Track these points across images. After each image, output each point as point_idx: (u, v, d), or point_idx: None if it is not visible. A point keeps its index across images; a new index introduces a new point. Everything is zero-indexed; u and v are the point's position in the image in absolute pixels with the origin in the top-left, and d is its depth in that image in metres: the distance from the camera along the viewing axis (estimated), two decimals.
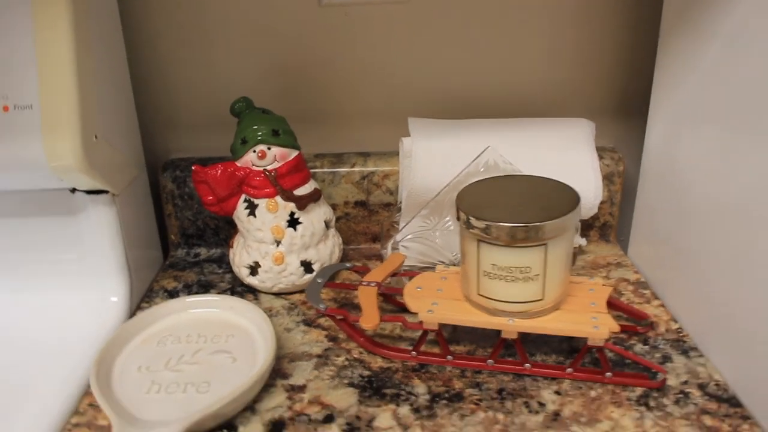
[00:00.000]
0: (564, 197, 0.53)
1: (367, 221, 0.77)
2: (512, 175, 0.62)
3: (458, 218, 0.53)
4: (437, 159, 0.67)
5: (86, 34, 0.58)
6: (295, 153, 0.66)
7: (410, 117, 0.71)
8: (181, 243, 0.79)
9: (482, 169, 0.64)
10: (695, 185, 0.59)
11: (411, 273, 0.62)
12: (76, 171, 0.57)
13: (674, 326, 0.62)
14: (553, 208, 0.51)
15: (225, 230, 0.78)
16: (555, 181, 0.56)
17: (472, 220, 0.51)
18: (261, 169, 0.65)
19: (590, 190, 0.69)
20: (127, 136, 0.70)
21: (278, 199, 0.65)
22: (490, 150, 0.64)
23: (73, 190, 0.64)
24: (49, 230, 0.65)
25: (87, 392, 0.55)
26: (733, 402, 0.52)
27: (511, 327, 0.53)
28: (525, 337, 0.59)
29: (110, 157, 0.63)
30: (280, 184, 0.65)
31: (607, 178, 0.75)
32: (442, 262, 0.65)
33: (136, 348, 0.58)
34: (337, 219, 0.76)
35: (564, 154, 0.69)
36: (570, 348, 0.58)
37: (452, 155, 0.66)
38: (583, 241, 0.72)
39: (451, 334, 0.61)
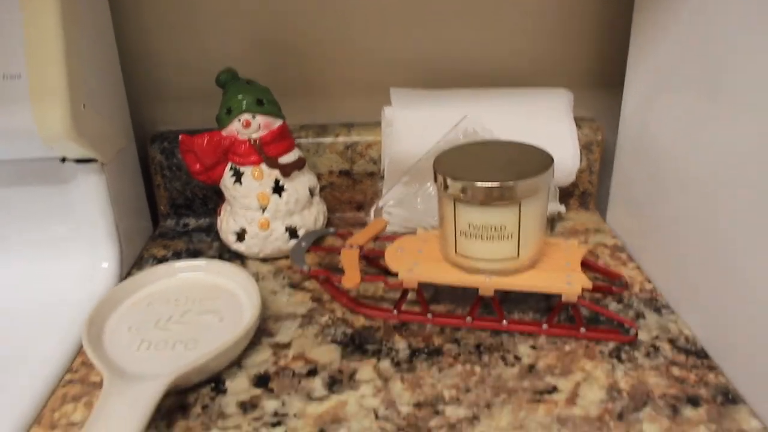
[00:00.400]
0: (538, 160, 0.55)
1: (351, 190, 0.79)
2: (488, 140, 0.64)
3: (435, 180, 0.55)
4: (418, 127, 0.69)
5: (73, 4, 0.59)
6: (279, 122, 0.68)
7: (392, 87, 0.72)
8: (171, 213, 0.81)
9: (461, 137, 0.66)
10: (669, 153, 0.60)
11: (393, 237, 0.64)
12: (65, 139, 0.59)
13: (648, 286, 0.64)
14: (526, 170, 0.53)
15: (213, 200, 0.80)
16: (529, 145, 0.57)
17: (449, 182, 0.53)
18: (246, 137, 0.66)
19: (568, 158, 0.70)
20: (114, 106, 0.71)
21: (263, 166, 0.67)
22: (468, 118, 0.66)
23: (63, 160, 0.65)
24: (41, 199, 0.67)
25: (80, 352, 0.57)
26: (701, 354, 0.54)
27: (487, 284, 0.55)
28: (504, 297, 0.62)
29: (99, 126, 0.64)
30: (264, 151, 0.66)
31: (586, 147, 0.77)
32: (424, 228, 0.67)
33: (127, 310, 0.59)
34: (322, 188, 0.78)
35: (542, 122, 0.70)
36: (547, 307, 0.60)
37: (432, 124, 0.68)
38: (562, 208, 0.74)
39: (432, 295, 0.63)
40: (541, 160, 0.54)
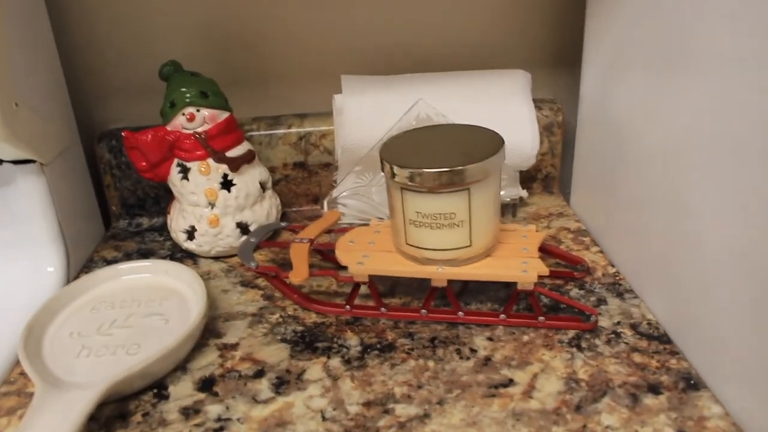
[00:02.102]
0: (488, 142, 0.53)
1: (307, 182, 0.77)
2: (437, 125, 0.61)
3: (382, 169, 0.52)
4: (369, 114, 0.67)
5: None
6: (225, 114, 0.65)
7: (344, 75, 0.70)
8: (123, 213, 0.79)
9: (414, 123, 0.64)
10: (628, 132, 0.59)
11: (348, 229, 0.62)
12: None
13: (611, 270, 0.62)
14: (476, 153, 0.51)
15: (166, 199, 0.77)
16: (480, 128, 0.55)
17: (396, 169, 0.51)
18: (191, 131, 0.64)
19: (527, 141, 0.68)
20: (55, 104, 0.68)
21: (210, 161, 0.64)
22: (421, 103, 0.64)
23: (0, 162, 0.62)
24: None
25: (18, 362, 0.55)
26: (664, 339, 0.53)
27: (439, 275, 0.53)
28: (462, 289, 0.60)
29: (35, 126, 0.62)
30: (211, 145, 0.64)
31: (547, 129, 0.75)
32: (381, 219, 0.64)
33: (69, 315, 0.57)
34: (277, 181, 0.76)
35: (499, 105, 0.68)
36: (507, 296, 0.58)
37: (385, 110, 0.66)
38: (523, 193, 0.72)
39: (387, 289, 0.60)
40: (491, 143, 0.52)
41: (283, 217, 0.75)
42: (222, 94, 0.65)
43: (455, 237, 0.52)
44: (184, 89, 0.63)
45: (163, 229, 0.75)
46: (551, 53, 0.77)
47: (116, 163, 0.75)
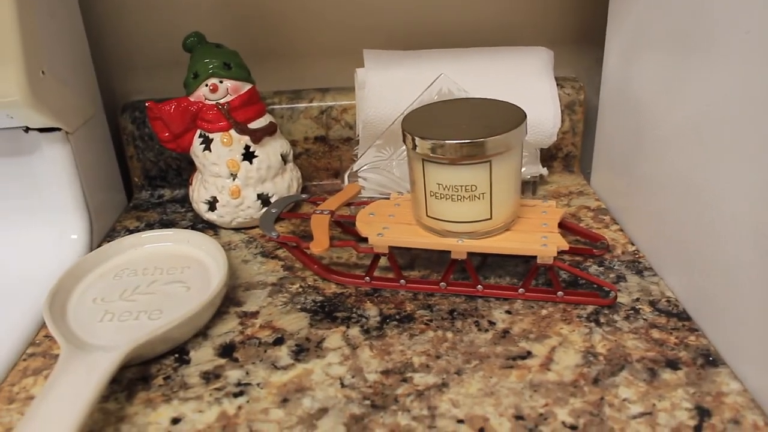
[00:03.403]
0: (510, 116, 0.52)
1: (327, 157, 0.77)
2: (459, 98, 0.61)
3: (404, 140, 0.52)
4: (392, 89, 0.67)
5: None
6: (248, 86, 0.65)
7: (366, 49, 0.70)
8: (145, 185, 0.79)
9: (436, 97, 0.63)
10: (650, 111, 0.58)
11: (366, 202, 0.62)
12: (23, 107, 0.57)
13: (631, 249, 0.62)
14: (498, 126, 0.50)
15: (188, 171, 0.78)
16: (502, 102, 0.55)
17: (417, 141, 0.51)
18: (214, 102, 0.64)
19: (548, 118, 0.68)
20: (80, 74, 0.69)
21: (232, 132, 0.65)
22: (443, 78, 0.64)
23: (27, 129, 0.63)
24: (5, 170, 0.65)
25: (44, 325, 0.56)
26: (683, 316, 0.52)
27: (459, 247, 0.53)
28: (482, 263, 0.60)
29: (61, 94, 0.62)
30: (233, 117, 0.64)
31: (569, 108, 0.74)
32: (401, 193, 0.65)
33: (93, 281, 0.58)
34: (298, 155, 0.76)
35: (521, 81, 0.68)
36: (525, 271, 0.59)
37: (407, 85, 0.66)
38: (544, 171, 0.72)
39: (407, 262, 0.61)
40: (514, 117, 0.52)
41: (304, 190, 0.75)
42: (245, 66, 0.66)
43: (476, 210, 0.52)
44: (207, 60, 0.63)
45: (185, 201, 0.76)
46: (574, 31, 0.76)
47: (139, 135, 0.76)
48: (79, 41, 0.70)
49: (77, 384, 0.44)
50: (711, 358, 0.48)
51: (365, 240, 0.56)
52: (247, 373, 0.49)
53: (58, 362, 0.46)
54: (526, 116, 0.52)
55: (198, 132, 0.66)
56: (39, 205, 0.66)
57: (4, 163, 0.64)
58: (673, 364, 0.47)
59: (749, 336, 0.45)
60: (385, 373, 0.48)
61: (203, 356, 0.51)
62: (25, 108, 0.57)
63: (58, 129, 0.63)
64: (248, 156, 0.65)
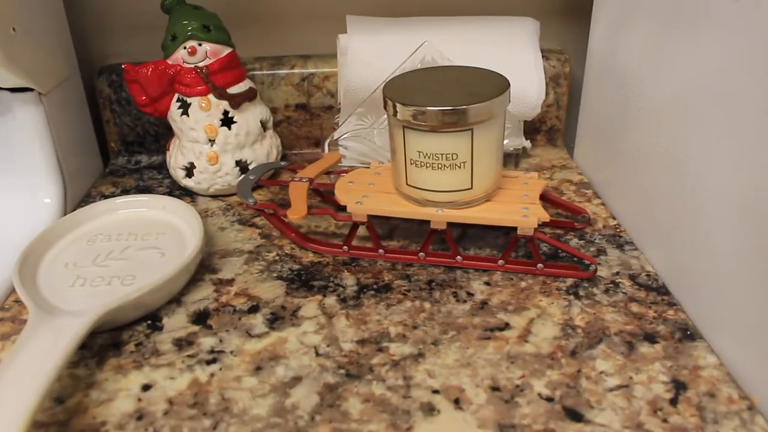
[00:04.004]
0: (493, 84, 0.51)
1: (308, 125, 0.76)
2: (442, 66, 0.60)
3: (385, 107, 0.51)
4: (374, 56, 0.66)
5: None
6: (228, 50, 0.64)
7: (349, 15, 0.68)
8: (122, 150, 0.78)
9: (419, 65, 0.62)
10: (636, 84, 0.57)
11: (346, 171, 0.61)
12: None
13: (612, 223, 0.62)
14: (480, 93, 0.49)
15: (165, 137, 0.76)
16: (486, 70, 0.54)
17: (398, 107, 0.50)
18: (192, 66, 0.63)
19: (532, 90, 0.67)
20: (54, 34, 0.67)
21: (211, 97, 0.63)
22: (427, 45, 0.63)
23: None
24: None
25: (14, 290, 0.54)
26: (662, 290, 0.52)
27: (439, 217, 0.53)
28: (462, 234, 0.59)
29: (33, 53, 0.60)
30: (212, 81, 0.63)
31: (553, 80, 0.74)
32: (381, 162, 0.64)
33: (66, 246, 0.56)
34: (279, 123, 0.75)
35: (506, 51, 0.67)
36: (506, 243, 0.58)
37: (390, 52, 0.65)
38: (527, 143, 0.71)
39: (386, 232, 0.60)
40: (497, 85, 0.51)
41: (284, 158, 0.74)
42: (224, 29, 0.64)
43: (456, 179, 0.51)
44: (186, 22, 0.62)
45: (162, 168, 0.75)
46: (561, 3, 0.75)
47: (116, 99, 0.74)
48: (52, 0, 0.68)
49: (45, 348, 0.43)
50: (688, 332, 0.47)
51: (344, 209, 0.55)
52: (221, 341, 0.48)
53: (26, 326, 0.45)
54: (509, 84, 0.51)
55: (176, 96, 0.65)
56: (11, 168, 0.64)
57: None
58: (650, 338, 0.47)
59: (727, 310, 0.45)
60: (361, 342, 0.47)
61: (176, 323, 0.50)
62: None
63: (31, 90, 0.61)
64: (227, 122, 0.64)
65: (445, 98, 0.49)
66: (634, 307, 0.50)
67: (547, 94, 0.70)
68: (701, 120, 0.47)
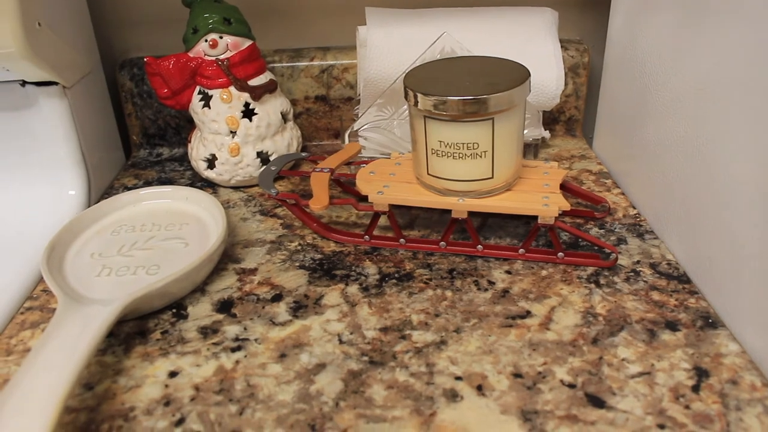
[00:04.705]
0: (514, 74, 0.52)
1: (328, 116, 0.76)
2: (462, 56, 0.60)
3: (405, 97, 0.52)
4: (393, 47, 0.66)
5: None
6: (248, 42, 0.64)
7: (368, 7, 0.69)
8: (143, 143, 0.79)
9: (439, 56, 0.63)
10: (655, 73, 0.57)
11: (366, 162, 0.62)
12: (18, 58, 0.56)
13: (632, 212, 0.62)
14: (500, 83, 0.50)
15: (187, 129, 0.77)
16: (506, 60, 0.54)
17: (420, 97, 0.50)
18: (213, 58, 0.63)
19: (552, 80, 0.67)
20: (77, 28, 0.68)
21: (232, 89, 0.64)
22: (446, 36, 0.63)
23: (23, 83, 0.62)
24: (2, 125, 0.64)
25: (42, 280, 0.55)
26: (683, 279, 0.52)
27: (460, 206, 0.53)
28: (483, 223, 0.59)
29: (57, 47, 0.61)
30: (233, 73, 0.63)
31: (572, 71, 0.74)
32: (401, 153, 0.64)
33: (91, 237, 0.57)
34: (298, 114, 0.75)
35: (525, 41, 0.67)
36: (526, 232, 0.58)
37: (409, 43, 0.65)
38: (546, 133, 0.71)
39: (407, 222, 0.60)
40: (517, 74, 0.51)
41: (304, 150, 0.75)
42: (245, 21, 0.65)
43: (477, 168, 0.52)
44: (207, 15, 0.62)
45: (184, 160, 0.75)
46: None
47: (137, 92, 0.75)
48: None
49: (74, 335, 0.43)
50: (710, 320, 0.48)
51: (365, 199, 0.56)
52: (245, 329, 0.48)
53: (56, 314, 0.46)
54: (529, 74, 0.51)
55: (197, 89, 0.65)
56: (37, 161, 0.65)
57: (1, 117, 0.64)
58: (672, 326, 0.47)
59: (749, 298, 0.45)
60: (384, 330, 0.48)
61: (201, 311, 0.51)
62: (20, 60, 0.56)
63: (55, 83, 0.62)
64: (248, 113, 0.65)
65: (465, 88, 0.49)
66: (655, 296, 0.50)
67: (566, 84, 0.70)
68: (722, 108, 0.47)
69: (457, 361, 0.45)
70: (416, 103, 0.50)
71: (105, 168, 0.71)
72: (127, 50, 0.78)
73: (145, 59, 0.65)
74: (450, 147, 0.51)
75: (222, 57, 0.63)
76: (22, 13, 0.55)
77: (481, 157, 0.51)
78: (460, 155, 0.51)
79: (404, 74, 0.55)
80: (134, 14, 0.76)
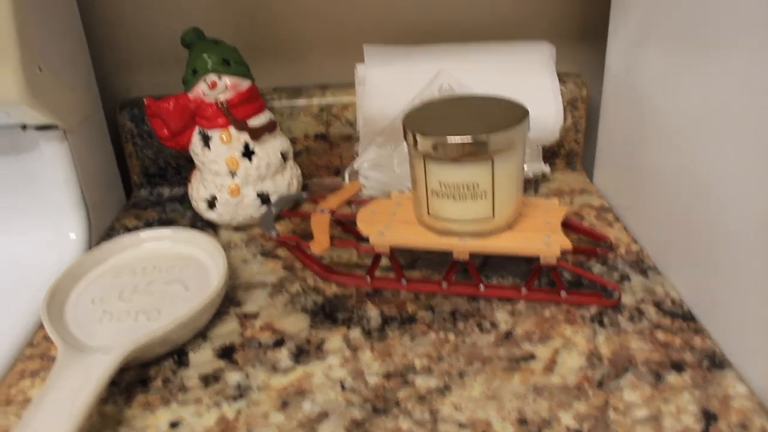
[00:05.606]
0: (512, 113, 0.52)
1: (328, 154, 0.76)
2: (460, 95, 0.60)
3: (405, 138, 0.52)
4: (393, 85, 0.66)
5: None
6: (247, 83, 0.65)
7: (366, 44, 0.69)
8: (144, 183, 0.79)
9: (437, 93, 0.63)
10: (654, 107, 0.57)
11: (366, 201, 0.62)
12: (20, 103, 0.56)
13: (634, 248, 0.61)
14: (499, 123, 0.50)
15: (187, 169, 0.77)
16: (503, 98, 0.54)
17: (419, 138, 0.50)
18: (213, 99, 0.64)
19: (550, 114, 0.67)
20: (77, 71, 0.68)
21: (231, 129, 0.64)
22: (444, 73, 0.63)
23: (24, 127, 0.62)
24: (2, 169, 0.64)
25: (42, 326, 0.55)
26: (688, 317, 0.52)
27: (461, 247, 0.53)
28: (484, 262, 0.59)
29: (58, 91, 0.61)
30: (232, 114, 0.64)
31: (571, 104, 0.74)
32: (402, 191, 0.64)
33: (91, 281, 0.57)
34: (298, 153, 0.75)
35: (522, 77, 0.67)
36: (528, 271, 0.58)
37: (408, 81, 0.65)
38: (546, 168, 0.71)
39: (409, 261, 0.60)
40: (516, 113, 0.51)
41: (304, 188, 0.75)
42: (244, 62, 0.65)
43: (478, 208, 0.51)
44: (206, 56, 0.63)
45: (184, 199, 0.75)
46: (576, 26, 0.75)
47: (138, 132, 0.75)
48: (76, 37, 0.69)
49: (75, 386, 0.43)
50: (717, 360, 0.47)
51: (366, 239, 0.55)
52: (247, 376, 0.48)
53: (56, 364, 0.45)
54: (528, 113, 0.51)
55: (197, 129, 0.65)
56: (37, 204, 0.65)
57: (1, 161, 0.64)
58: (678, 367, 0.47)
59: (756, 337, 0.44)
60: (387, 375, 0.47)
61: (202, 358, 0.50)
62: (22, 105, 0.56)
63: (56, 127, 0.62)
64: (248, 153, 0.65)
65: (465, 128, 0.49)
66: (660, 335, 0.50)
67: (564, 118, 0.70)
68: (722, 140, 0.47)
69: (461, 407, 0.44)
70: (416, 143, 0.50)
71: (105, 209, 0.71)
72: (127, 90, 0.78)
73: (144, 100, 0.65)
74: (450, 188, 0.51)
75: (221, 98, 0.63)
76: (23, 58, 0.55)
77: (481, 197, 0.51)
78: (461, 196, 0.51)
79: (403, 113, 0.55)
80: (134, 54, 0.76)
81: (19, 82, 0.55)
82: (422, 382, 0.46)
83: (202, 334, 0.53)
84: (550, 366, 0.47)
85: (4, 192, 0.64)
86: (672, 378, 0.46)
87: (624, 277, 0.57)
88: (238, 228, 0.68)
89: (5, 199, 0.65)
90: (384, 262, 0.57)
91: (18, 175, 0.64)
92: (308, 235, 0.57)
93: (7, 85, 0.55)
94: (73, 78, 0.67)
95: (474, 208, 0.51)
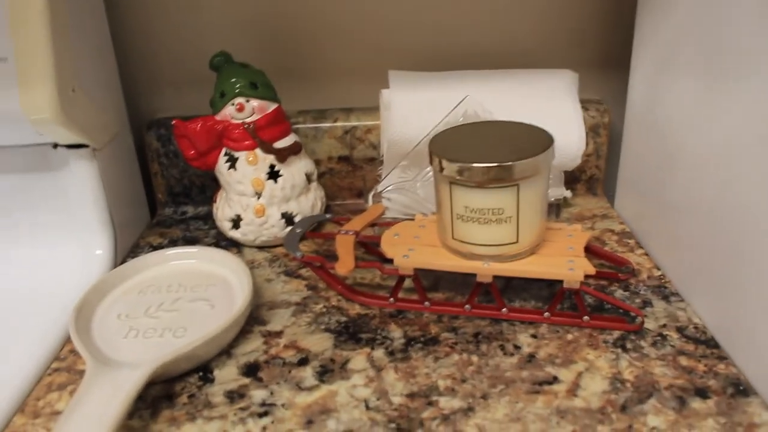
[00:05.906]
0: (537, 139, 0.52)
1: (351, 176, 0.77)
2: (486, 121, 0.61)
3: (431, 162, 0.52)
4: (417, 110, 0.67)
5: None
6: (274, 106, 0.66)
7: (391, 70, 0.70)
8: (168, 201, 0.80)
9: (461, 119, 0.63)
10: (676, 134, 0.58)
11: (392, 223, 0.62)
12: (54, 123, 0.57)
13: (656, 273, 0.61)
14: (525, 150, 0.50)
15: (211, 188, 0.78)
16: (529, 125, 0.55)
17: (445, 163, 0.51)
18: (240, 121, 0.65)
19: (573, 141, 0.68)
20: (108, 91, 0.70)
21: (258, 151, 0.65)
22: (469, 99, 0.64)
23: (55, 146, 0.64)
24: (33, 186, 0.65)
25: (69, 340, 0.56)
26: (711, 344, 0.52)
27: (485, 270, 0.53)
28: (506, 285, 0.60)
29: (89, 111, 0.63)
30: (259, 136, 0.65)
31: (593, 130, 0.74)
32: (425, 215, 0.64)
33: (117, 298, 0.58)
34: (322, 174, 0.76)
35: (545, 103, 0.68)
36: (550, 295, 0.58)
37: (432, 106, 0.66)
38: (567, 193, 0.71)
39: (431, 283, 0.61)
40: (541, 140, 0.52)
41: (327, 210, 0.75)
42: (271, 85, 0.66)
43: (502, 233, 0.52)
44: (234, 80, 0.64)
45: (208, 218, 0.76)
46: (599, 54, 0.76)
47: (164, 152, 0.77)
48: (107, 59, 0.70)
49: (104, 401, 0.44)
50: (741, 387, 0.47)
51: (389, 260, 0.56)
52: (272, 393, 0.48)
53: (85, 378, 0.46)
54: (553, 140, 0.52)
55: (223, 150, 0.66)
56: (65, 221, 0.66)
57: (31, 178, 0.65)
58: (702, 393, 0.47)
59: None
60: (410, 396, 0.48)
61: (227, 375, 0.51)
62: (55, 125, 0.58)
63: (86, 146, 0.63)
64: (273, 175, 0.66)
65: (490, 154, 0.50)
66: (683, 361, 0.50)
67: (586, 144, 0.71)
68: (747, 170, 0.47)
69: (485, 428, 0.44)
70: (441, 168, 0.51)
71: (131, 226, 0.72)
72: (155, 111, 0.79)
73: (173, 122, 0.66)
74: (475, 212, 0.51)
75: (248, 120, 0.65)
76: (58, 80, 0.57)
77: (506, 222, 0.51)
78: (485, 220, 0.51)
79: (428, 138, 0.55)
80: (162, 76, 0.77)
81: (54, 102, 0.56)
82: (446, 403, 0.47)
83: (226, 352, 0.53)
84: (574, 389, 0.48)
85: (35, 208, 0.66)
86: (696, 404, 0.46)
87: (646, 303, 0.57)
88: (262, 247, 0.69)
89: (36, 215, 0.66)
90: (407, 283, 0.57)
91: (48, 191, 0.65)
92: (331, 256, 0.58)
93: (43, 106, 0.56)
94: (102, 98, 0.68)
95: (499, 233, 0.52)
